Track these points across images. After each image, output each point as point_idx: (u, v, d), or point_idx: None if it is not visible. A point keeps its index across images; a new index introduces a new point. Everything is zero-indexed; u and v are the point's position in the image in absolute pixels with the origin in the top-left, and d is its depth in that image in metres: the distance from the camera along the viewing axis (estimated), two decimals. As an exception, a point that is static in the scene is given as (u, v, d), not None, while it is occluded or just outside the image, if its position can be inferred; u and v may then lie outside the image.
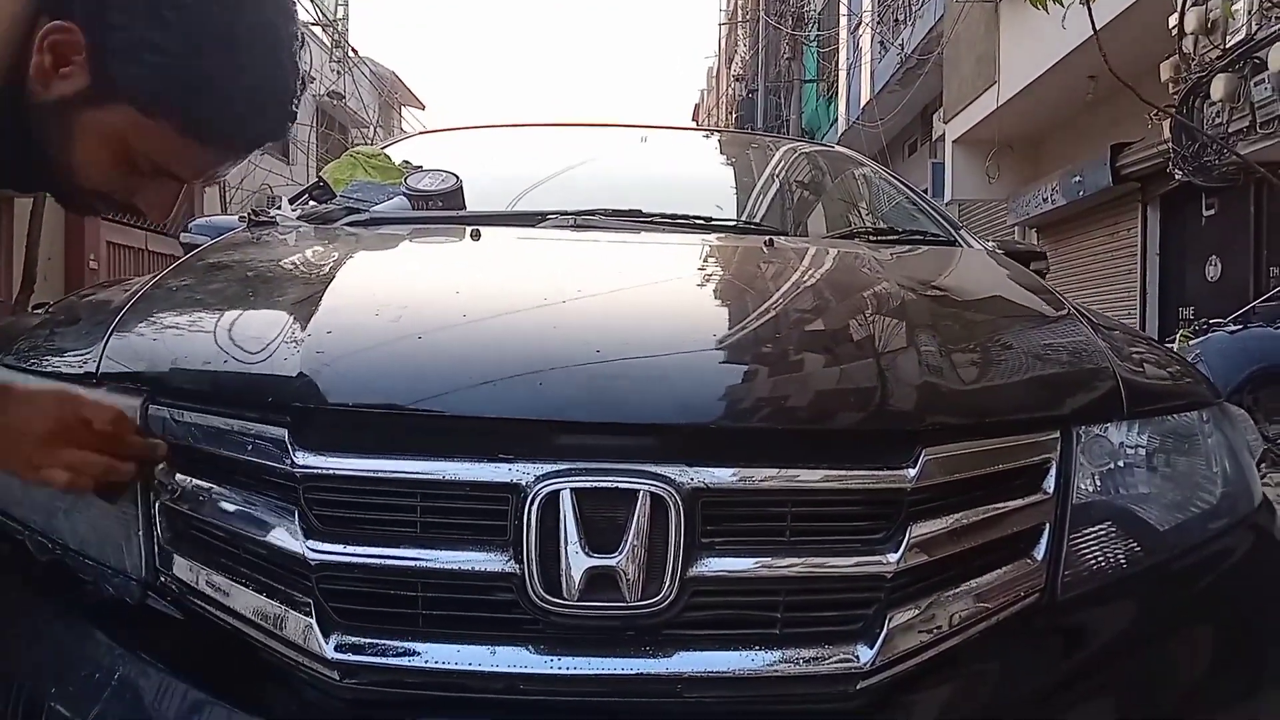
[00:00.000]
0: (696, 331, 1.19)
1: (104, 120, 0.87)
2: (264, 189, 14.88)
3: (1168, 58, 7.25)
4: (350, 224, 1.85)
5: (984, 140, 11.65)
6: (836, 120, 18.80)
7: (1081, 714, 1.02)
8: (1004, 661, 1.01)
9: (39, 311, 1.71)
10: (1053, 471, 1.07)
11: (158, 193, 0.94)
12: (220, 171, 0.97)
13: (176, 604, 0.99)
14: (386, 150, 2.35)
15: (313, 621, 0.92)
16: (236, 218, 2.07)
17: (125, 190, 0.93)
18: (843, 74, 18.14)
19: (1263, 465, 4.09)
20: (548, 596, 0.91)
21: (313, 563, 0.93)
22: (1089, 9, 2.70)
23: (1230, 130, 6.74)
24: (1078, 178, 10.19)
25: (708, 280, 1.55)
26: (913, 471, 0.98)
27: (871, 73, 15.66)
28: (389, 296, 1.29)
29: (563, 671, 0.91)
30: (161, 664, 0.96)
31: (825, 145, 3.32)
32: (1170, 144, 7.43)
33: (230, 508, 0.99)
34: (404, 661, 0.91)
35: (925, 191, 2.59)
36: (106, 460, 0.98)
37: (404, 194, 1.96)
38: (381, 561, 0.93)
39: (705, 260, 1.65)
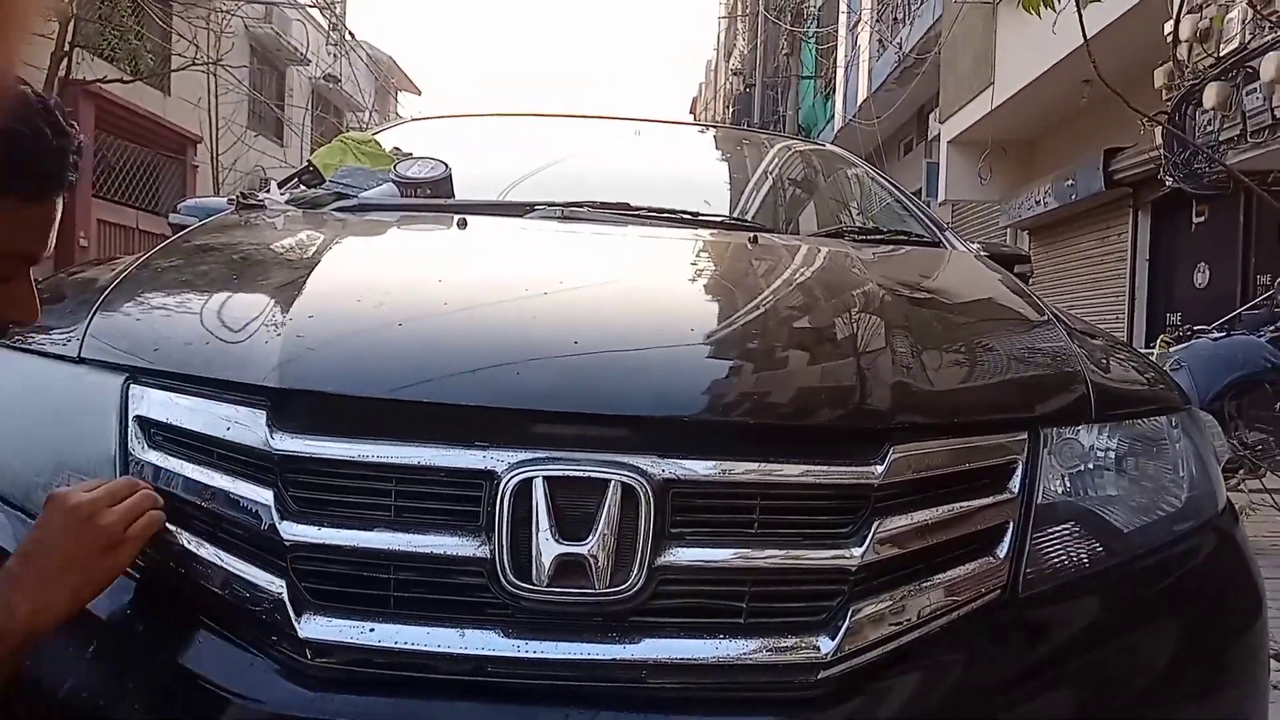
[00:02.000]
0: (673, 325, 1.20)
1: None
2: (257, 170, 14.83)
3: (1161, 64, 7.28)
4: (338, 209, 1.86)
5: (979, 141, 11.68)
6: (833, 117, 18.81)
7: (1040, 708, 1.04)
8: (964, 655, 1.03)
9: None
10: (1019, 472, 1.09)
11: (10, 293, 0.93)
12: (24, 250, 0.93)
13: (152, 580, 1.00)
14: (377, 136, 2.36)
15: (285, 601, 0.94)
16: (225, 200, 2.08)
17: None
18: (840, 71, 18.14)
19: (1240, 471, 4.13)
20: (518, 582, 0.93)
21: (287, 543, 0.95)
22: (1080, 16, 2.71)
23: (1221, 139, 6.77)
24: (1070, 181, 10.23)
25: (689, 275, 1.57)
26: (880, 468, 1.00)
27: (869, 70, 15.67)
28: (372, 283, 1.31)
29: (530, 655, 0.93)
30: (135, 640, 0.97)
31: (816, 143, 3.33)
32: (1162, 150, 7.46)
33: (207, 487, 1.00)
34: (374, 642, 0.93)
35: (919, 192, 2.60)
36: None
37: (393, 181, 1.97)
38: (355, 544, 0.95)
39: (688, 255, 1.67)
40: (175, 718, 0.93)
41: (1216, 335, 5.18)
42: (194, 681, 0.93)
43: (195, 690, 0.93)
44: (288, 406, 0.99)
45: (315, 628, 0.93)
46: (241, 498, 0.98)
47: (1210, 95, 6.67)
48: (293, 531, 0.95)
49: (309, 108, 20.43)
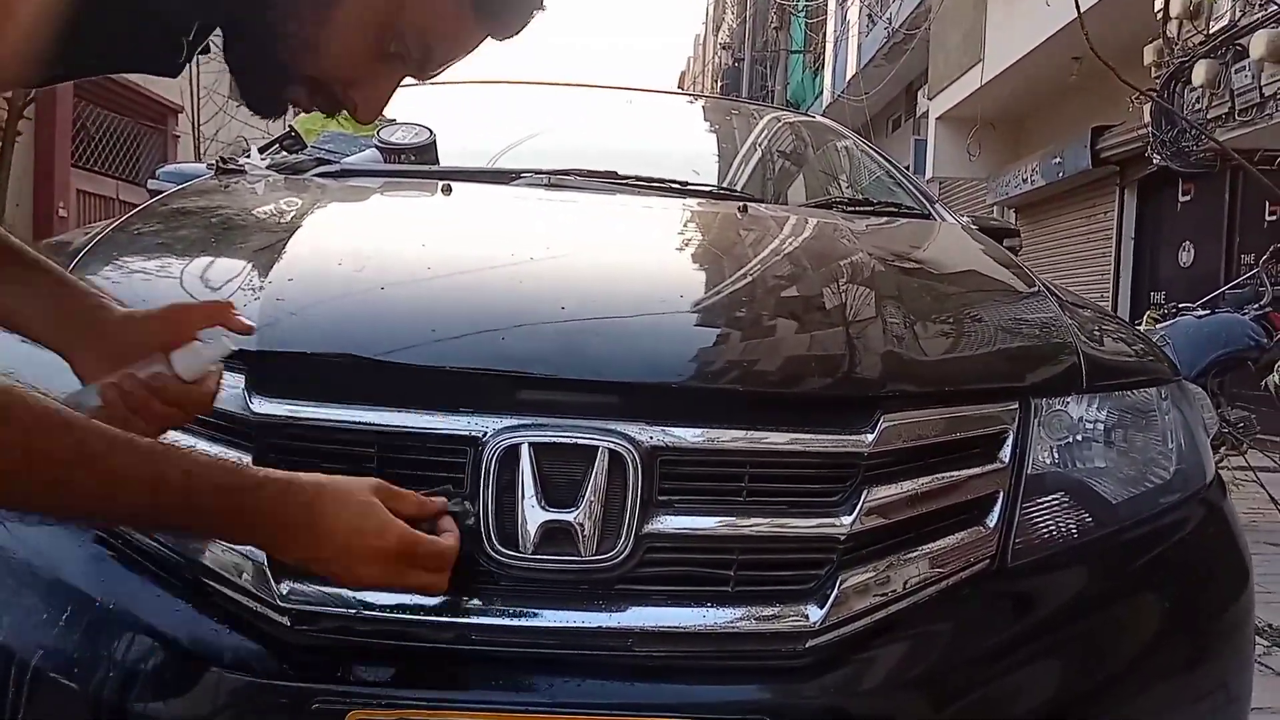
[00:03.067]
0: (661, 293, 1.19)
1: None
2: (239, 140, 14.66)
3: (1151, 41, 7.27)
4: (320, 175, 1.82)
5: (968, 118, 11.67)
6: (822, 93, 18.75)
7: (1028, 677, 1.03)
8: (953, 624, 1.02)
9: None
10: (1009, 441, 1.08)
11: (378, 86, 0.79)
12: (451, 64, 0.82)
13: (130, 549, 0.98)
14: (361, 102, 2.31)
15: (265, 567, 0.92)
16: (205, 165, 2.04)
17: (348, 79, 0.77)
18: (829, 46, 18.06)
19: (1223, 448, 4.16)
20: (503, 549, 0.92)
21: None
22: (1073, -12, 2.70)
23: (1209, 116, 6.78)
24: (1057, 159, 10.24)
25: (678, 244, 1.55)
26: (870, 437, 0.99)
27: (858, 46, 15.60)
28: (354, 247, 1.28)
29: (514, 623, 0.92)
30: (115, 609, 0.95)
31: (807, 115, 3.31)
32: (1150, 128, 7.47)
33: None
34: (355, 610, 0.91)
35: (907, 169, 2.59)
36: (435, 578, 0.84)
37: (376, 146, 1.93)
38: (337, 510, 0.93)
39: (677, 224, 1.65)
40: (154, 688, 0.91)
41: (1201, 313, 5.20)
42: (173, 651, 0.91)
43: (175, 659, 0.92)
44: (267, 370, 0.97)
45: (295, 595, 0.91)
46: None
47: (1199, 73, 6.67)
48: (273, 497, 0.93)
49: (292, 78, 20.18)
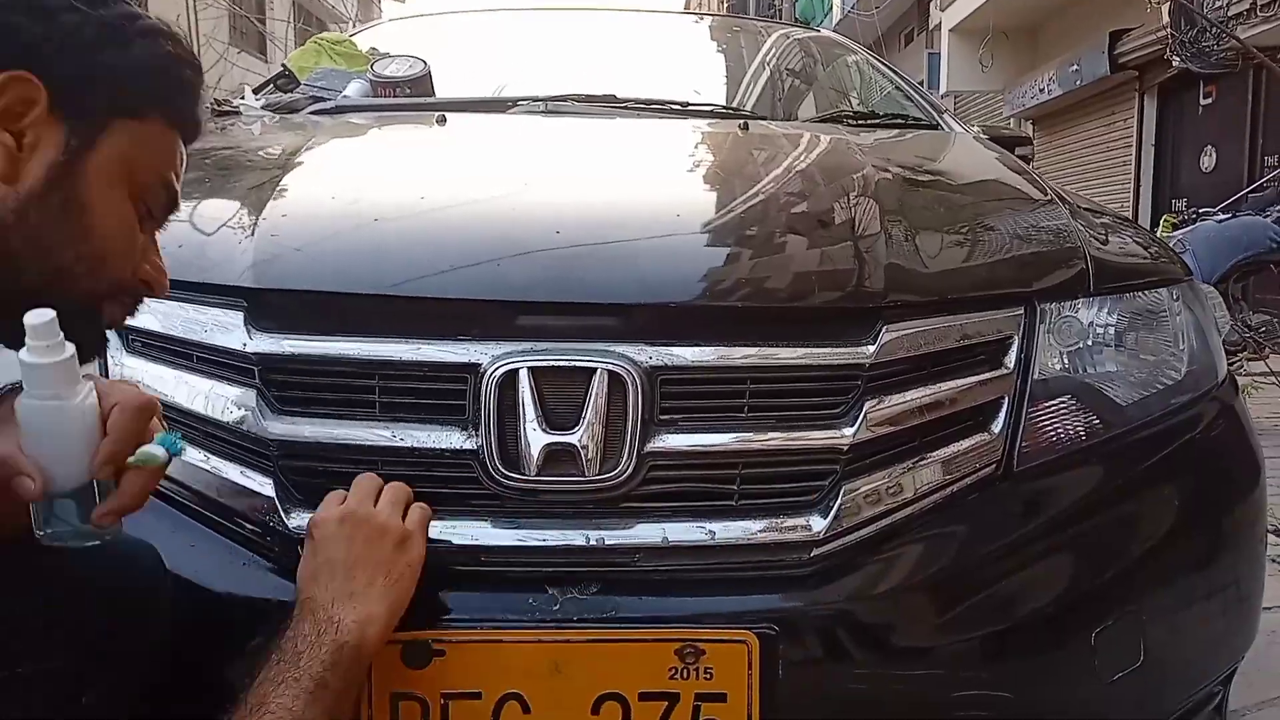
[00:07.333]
0: (657, 213, 1.17)
1: (107, 157, 0.75)
2: (241, 88, 14.52)
3: (1170, -63, 7.02)
4: (315, 112, 1.80)
5: (982, 29, 11.35)
6: (831, 9, 18.26)
7: (1035, 576, 1.04)
8: (959, 529, 1.02)
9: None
10: (1014, 347, 1.08)
11: (152, 251, 0.82)
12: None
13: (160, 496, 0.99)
14: (353, 37, 2.28)
15: (274, 498, 0.94)
16: (200, 108, 2.02)
17: (134, 264, 0.80)
18: (837, -40, 17.52)
19: (1244, 353, 4.11)
20: (507, 472, 0.93)
21: (272, 441, 0.94)
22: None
23: (1230, 14, 6.56)
24: (1075, 66, 9.98)
25: (675, 164, 1.52)
26: (871, 348, 0.98)
27: (867, -42, 15.13)
28: (348, 181, 1.27)
29: (522, 543, 0.93)
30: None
31: (812, 30, 3.22)
32: (1169, 29, 7.25)
33: (190, 390, 0.99)
34: None
35: (921, 84, 2.54)
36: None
37: (370, 81, 1.90)
38: (341, 440, 0.94)
39: (675, 145, 1.62)
40: (175, 619, 0.93)
41: (1222, 217, 5.08)
42: (187, 580, 0.93)
43: (192, 590, 0.94)
44: (264, 306, 0.97)
45: (306, 523, 0.93)
46: (224, 399, 0.97)
47: (1220, -32, 6.44)
48: (278, 430, 0.94)
49: (291, 20, 19.87)
